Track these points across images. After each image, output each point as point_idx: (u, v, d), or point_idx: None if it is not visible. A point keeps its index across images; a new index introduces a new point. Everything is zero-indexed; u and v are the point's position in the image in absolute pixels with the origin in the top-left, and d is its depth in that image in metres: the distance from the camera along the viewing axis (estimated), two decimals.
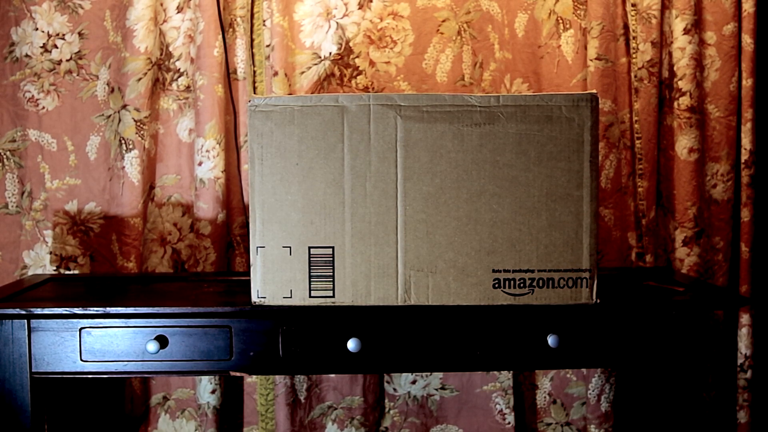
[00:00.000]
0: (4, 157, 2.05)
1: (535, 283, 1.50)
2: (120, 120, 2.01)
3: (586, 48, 2.07)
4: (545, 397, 2.16)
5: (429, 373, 2.12)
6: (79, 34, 2.04)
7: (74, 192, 2.05)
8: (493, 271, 1.50)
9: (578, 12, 2.08)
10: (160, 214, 2.07)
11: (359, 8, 2.03)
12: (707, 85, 2.10)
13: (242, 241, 2.07)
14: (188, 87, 2.05)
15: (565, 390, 2.15)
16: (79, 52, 2.04)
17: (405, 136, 1.48)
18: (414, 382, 2.13)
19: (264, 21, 2.02)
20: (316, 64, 2.03)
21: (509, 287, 1.50)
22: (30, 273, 2.04)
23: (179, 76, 2.04)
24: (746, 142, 2.08)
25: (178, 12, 2.02)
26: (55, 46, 2.03)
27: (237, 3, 2.03)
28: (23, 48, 2.03)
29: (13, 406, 1.53)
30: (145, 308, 1.53)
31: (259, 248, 1.50)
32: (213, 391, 2.00)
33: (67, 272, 2.04)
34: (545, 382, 2.15)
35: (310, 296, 1.51)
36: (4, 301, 1.60)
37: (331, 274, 1.50)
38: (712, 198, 2.12)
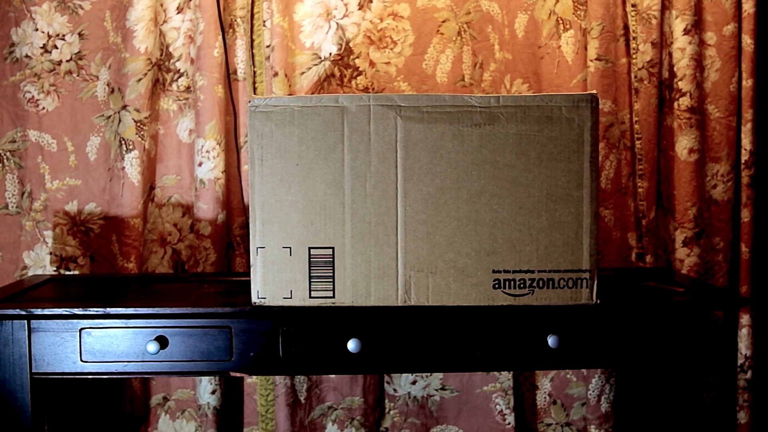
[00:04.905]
0: (4, 157, 2.05)
1: (535, 284, 1.50)
2: (120, 120, 2.01)
3: (586, 48, 2.07)
4: (545, 397, 2.16)
5: (429, 374, 2.12)
6: (79, 34, 2.04)
7: (74, 192, 2.05)
8: (493, 271, 1.50)
9: (578, 12, 2.08)
10: (160, 215, 2.07)
11: (359, 9, 2.03)
12: (707, 86, 2.10)
13: (242, 242, 2.07)
14: (188, 87, 2.05)
15: (565, 390, 2.15)
16: (79, 52, 2.04)
17: (405, 136, 1.48)
18: (414, 383, 2.13)
19: (264, 21, 2.02)
20: (316, 65, 2.03)
21: (509, 288, 1.50)
22: (30, 273, 2.04)
23: (179, 77, 2.04)
24: (746, 142, 2.08)
25: (178, 12, 2.02)
26: (55, 47, 2.03)
27: (237, 3, 2.03)
28: (23, 48, 2.03)
29: (13, 407, 1.53)
30: (145, 309, 1.53)
31: (259, 249, 1.50)
32: (213, 392, 2.00)
33: (67, 273, 2.04)
34: (545, 382, 2.15)
35: (310, 297, 1.51)
36: (4, 301, 1.59)
37: (331, 274, 1.50)
38: (712, 198, 2.12)
